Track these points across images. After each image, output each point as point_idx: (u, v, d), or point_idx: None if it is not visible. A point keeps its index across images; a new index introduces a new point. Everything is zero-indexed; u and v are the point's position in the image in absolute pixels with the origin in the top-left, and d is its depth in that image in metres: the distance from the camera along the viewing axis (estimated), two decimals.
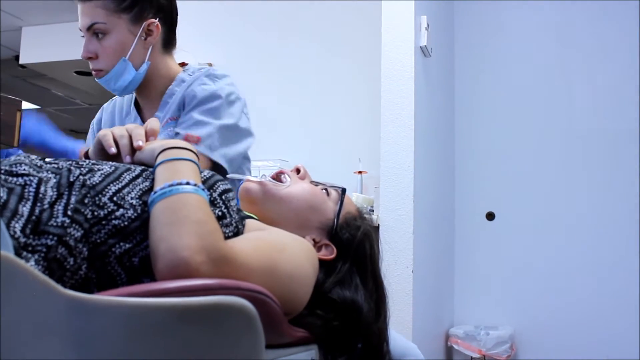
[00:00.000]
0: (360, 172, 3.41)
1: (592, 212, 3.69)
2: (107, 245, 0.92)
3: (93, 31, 1.70)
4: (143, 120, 1.85)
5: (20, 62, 6.06)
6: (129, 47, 1.72)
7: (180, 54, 1.91)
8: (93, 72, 1.75)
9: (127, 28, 1.71)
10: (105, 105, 2.03)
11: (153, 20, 1.74)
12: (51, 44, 5.86)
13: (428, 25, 3.00)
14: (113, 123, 1.94)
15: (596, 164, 3.71)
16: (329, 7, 3.80)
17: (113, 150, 1.19)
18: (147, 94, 1.84)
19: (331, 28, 3.80)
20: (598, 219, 3.67)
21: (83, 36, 1.73)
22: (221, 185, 1.10)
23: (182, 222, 0.91)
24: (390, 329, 1.30)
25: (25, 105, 7.85)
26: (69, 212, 0.90)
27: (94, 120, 2.02)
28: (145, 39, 1.75)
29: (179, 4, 1.87)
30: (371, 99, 3.25)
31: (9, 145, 1.24)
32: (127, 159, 1.18)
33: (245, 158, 1.83)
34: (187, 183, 0.97)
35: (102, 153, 1.24)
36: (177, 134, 1.71)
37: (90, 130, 2.02)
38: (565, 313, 3.66)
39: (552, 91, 3.86)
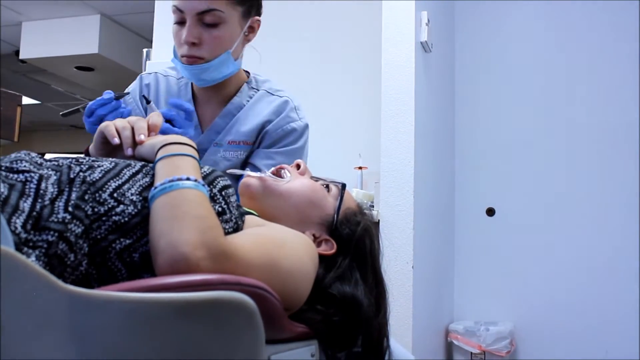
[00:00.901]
0: (360, 168, 3.41)
1: (592, 208, 3.69)
2: (108, 241, 0.93)
3: (204, 17, 1.61)
4: (198, 117, 1.81)
5: (21, 57, 6.06)
6: (235, 41, 1.68)
7: None
8: (186, 58, 1.65)
9: (238, 21, 1.67)
10: (143, 75, 1.90)
11: (258, 18, 1.75)
12: (51, 39, 5.86)
13: (429, 20, 3.00)
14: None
15: (597, 160, 3.71)
16: (329, 3, 3.80)
17: (116, 140, 1.20)
18: (213, 93, 1.79)
19: (331, 23, 3.79)
20: (598, 214, 3.67)
21: (180, 21, 1.63)
22: (221, 181, 1.10)
23: (182, 217, 0.91)
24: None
25: (26, 100, 7.88)
26: (70, 209, 0.90)
27: (131, 88, 1.87)
28: (247, 35, 1.74)
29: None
30: (371, 94, 3.24)
31: (10, 140, 1.25)
32: (129, 151, 1.18)
33: None
34: (188, 179, 0.98)
35: (104, 146, 1.25)
36: (250, 163, 1.73)
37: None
38: (565, 309, 3.67)
39: (552, 87, 3.86)
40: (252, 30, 1.75)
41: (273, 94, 1.83)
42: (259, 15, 1.76)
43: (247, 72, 1.89)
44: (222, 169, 1.64)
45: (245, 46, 1.77)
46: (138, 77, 1.89)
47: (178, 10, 1.61)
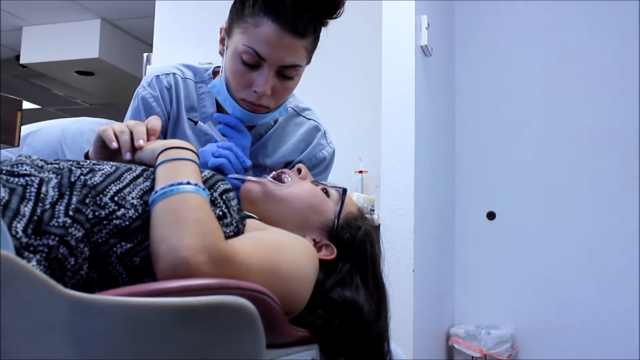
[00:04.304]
0: (360, 172, 3.40)
1: (593, 211, 3.69)
2: (109, 245, 0.92)
3: (285, 70, 1.49)
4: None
5: (21, 61, 6.07)
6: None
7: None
8: (250, 105, 1.52)
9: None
10: (161, 76, 1.69)
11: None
12: (52, 43, 5.87)
13: (428, 24, 3.00)
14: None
15: (597, 163, 3.71)
16: None
17: (114, 145, 1.19)
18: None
19: (331, 27, 3.79)
20: (599, 218, 3.67)
21: (252, 64, 1.47)
22: (222, 185, 1.10)
23: (182, 222, 0.91)
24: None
25: (26, 105, 7.88)
26: (71, 212, 0.90)
27: (149, 91, 1.67)
28: None
29: (177, 4, 1.84)
30: (372, 98, 3.24)
31: (10, 145, 1.24)
32: (127, 155, 1.18)
33: None
34: (188, 183, 0.98)
35: (103, 150, 1.25)
36: None
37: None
38: (566, 312, 3.66)
39: (552, 90, 3.86)
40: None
41: (300, 114, 1.78)
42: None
43: None
44: None
45: None
46: (154, 77, 1.69)
47: (257, 55, 1.44)
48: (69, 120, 2.53)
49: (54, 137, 2.37)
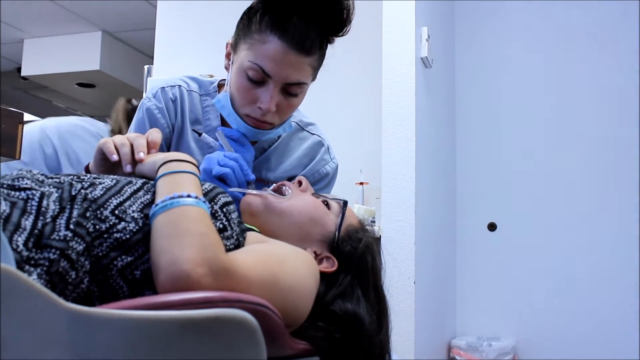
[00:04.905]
0: (361, 183, 3.41)
1: (594, 222, 3.69)
2: (109, 258, 0.92)
3: (290, 87, 1.48)
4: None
5: (22, 74, 6.09)
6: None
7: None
8: (254, 121, 1.52)
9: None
10: (167, 88, 1.68)
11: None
12: (53, 56, 5.90)
13: (429, 36, 3.01)
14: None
15: (598, 174, 3.71)
16: None
17: (115, 157, 1.20)
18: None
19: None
20: (600, 229, 3.67)
21: (257, 80, 1.47)
22: (222, 198, 1.10)
23: (183, 234, 0.91)
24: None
25: (27, 117, 7.91)
26: (71, 226, 0.90)
27: (154, 103, 1.67)
28: None
29: (178, 16, 1.84)
30: (372, 109, 3.25)
31: (11, 158, 1.25)
32: (128, 168, 1.18)
33: None
34: (188, 196, 0.98)
35: (103, 163, 1.25)
36: None
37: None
38: (568, 324, 3.65)
39: (553, 102, 3.86)
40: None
41: (304, 129, 1.77)
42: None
43: None
44: None
45: None
46: (160, 89, 1.68)
47: (263, 72, 1.44)
48: (45, 120, 2.69)
49: (36, 135, 2.50)
